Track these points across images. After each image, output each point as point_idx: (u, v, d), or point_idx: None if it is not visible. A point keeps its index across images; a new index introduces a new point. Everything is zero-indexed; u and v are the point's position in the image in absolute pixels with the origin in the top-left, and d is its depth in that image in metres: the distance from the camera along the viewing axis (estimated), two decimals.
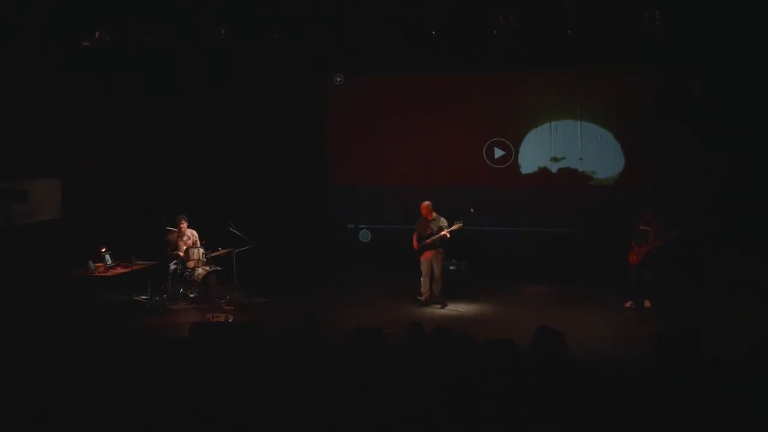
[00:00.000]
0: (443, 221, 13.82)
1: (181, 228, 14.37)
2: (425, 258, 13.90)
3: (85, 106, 14.74)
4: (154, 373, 6.29)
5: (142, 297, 13.84)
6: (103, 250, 13.64)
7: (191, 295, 14.13)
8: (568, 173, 16.33)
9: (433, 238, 13.75)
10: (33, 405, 5.84)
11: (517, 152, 16.54)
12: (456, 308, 13.69)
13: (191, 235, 14.48)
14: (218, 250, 14.36)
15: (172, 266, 14.26)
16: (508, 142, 16.56)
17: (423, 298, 13.92)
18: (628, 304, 13.40)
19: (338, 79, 17.12)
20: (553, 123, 16.32)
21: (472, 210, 15.08)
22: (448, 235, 13.71)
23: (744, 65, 14.12)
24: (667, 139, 15.20)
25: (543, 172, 16.48)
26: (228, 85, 16.39)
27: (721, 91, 14.45)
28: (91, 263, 13.36)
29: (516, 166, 16.59)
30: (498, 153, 16.63)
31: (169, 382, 6.11)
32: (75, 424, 5.68)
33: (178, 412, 5.71)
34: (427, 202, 13.95)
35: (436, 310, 13.61)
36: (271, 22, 13.47)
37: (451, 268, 14.63)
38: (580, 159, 16.20)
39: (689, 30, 13.35)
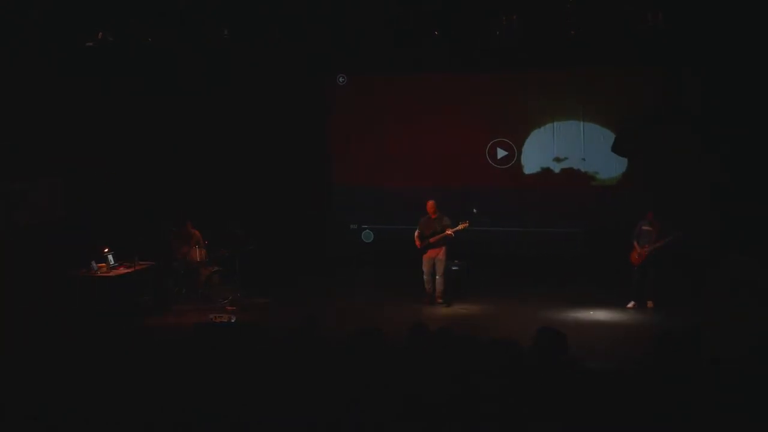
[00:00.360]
0: (447, 220, 13.81)
1: (187, 229, 14.37)
2: (428, 256, 13.91)
3: (86, 106, 14.70)
4: (156, 373, 6.30)
5: (145, 297, 13.83)
6: (106, 250, 13.62)
7: (194, 296, 14.13)
8: (570, 173, 16.31)
9: (437, 237, 13.75)
10: (33, 405, 5.85)
11: (519, 152, 16.52)
12: (458, 308, 13.67)
13: (194, 235, 14.48)
14: (221, 251, 14.36)
15: (175, 266, 14.26)
16: (511, 143, 16.55)
17: (427, 296, 13.97)
18: (630, 305, 13.37)
19: (341, 79, 17.10)
20: (555, 123, 16.31)
21: (474, 210, 15.03)
22: (452, 235, 13.71)
23: (744, 65, 14.09)
24: (667, 139, 15.20)
25: (546, 172, 16.45)
26: (228, 85, 16.35)
27: (721, 91, 14.42)
28: (93, 263, 13.33)
29: (519, 166, 16.58)
30: (501, 153, 16.61)
31: (171, 382, 6.12)
32: (75, 424, 5.69)
33: (181, 412, 5.72)
34: (432, 201, 13.94)
35: (438, 310, 13.60)
36: (271, 22, 13.43)
37: (453, 268, 14.61)
38: (583, 159, 16.18)
39: (689, 30, 13.32)
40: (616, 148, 15.92)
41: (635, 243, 13.38)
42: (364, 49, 14.70)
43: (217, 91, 16.25)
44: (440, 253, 13.85)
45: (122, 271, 13.51)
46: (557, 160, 16.32)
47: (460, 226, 13.71)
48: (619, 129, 15.86)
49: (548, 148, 16.35)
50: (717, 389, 5.59)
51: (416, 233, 13.94)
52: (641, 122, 15.56)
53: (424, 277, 13.96)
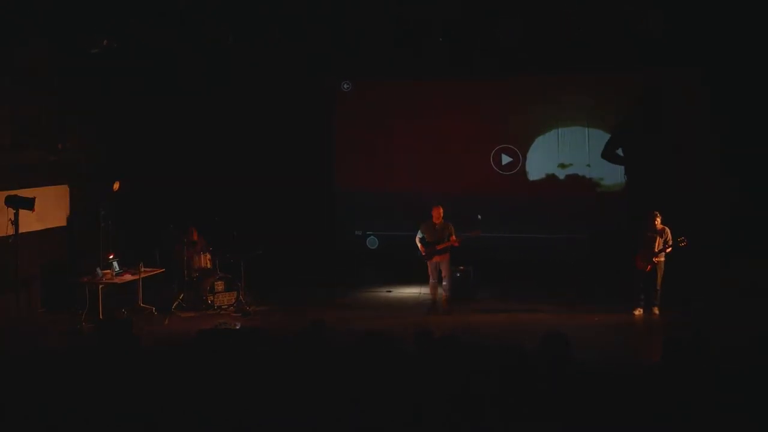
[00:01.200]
0: (451, 227, 13.82)
1: (191, 235, 14.37)
2: (433, 262, 13.91)
3: (87, 106, 14.70)
4: (161, 380, 6.31)
5: (150, 304, 13.84)
6: (111, 256, 13.64)
7: (199, 302, 14.14)
8: (575, 180, 16.31)
9: (443, 245, 13.74)
10: (34, 406, 5.86)
11: (524, 159, 16.52)
12: (462, 314, 13.66)
13: (199, 241, 14.49)
14: (226, 257, 14.36)
15: (180, 273, 14.26)
16: (516, 149, 16.55)
17: (432, 302, 13.97)
18: (636, 311, 13.30)
19: (345, 86, 17.10)
20: (560, 129, 16.31)
21: (479, 216, 15.04)
22: (458, 244, 13.72)
23: (745, 65, 14.06)
24: (667, 140, 15.21)
25: (550, 178, 16.45)
26: (228, 85, 16.33)
27: (721, 92, 14.40)
28: (98, 270, 13.35)
29: (523, 172, 16.57)
30: (505, 159, 16.62)
31: (176, 389, 6.12)
32: (75, 424, 5.70)
33: (186, 418, 5.73)
34: (440, 207, 13.94)
35: (442, 316, 13.61)
36: (271, 22, 13.38)
37: (457, 274, 14.61)
38: (588, 165, 16.19)
39: (690, 30, 13.28)
40: (606, 155, 15.96)
41: (640, 249, 13.32)
42: (367, 55, 14.64)
43: (217, 94, 16.20)
44: (445, 259, 13.86)
45: (127, 277, 13.52)
46: (562, 166, 16.32)
47: (472, 233, 13.74)
48: (612, 135, 15.92)
49: (553, 154, 16.35)
50: (717, 389, 5.59)
51: (417, 238, 13.95)
52: (633, 128, 15.64)
53: (430, 282, 13.99)
